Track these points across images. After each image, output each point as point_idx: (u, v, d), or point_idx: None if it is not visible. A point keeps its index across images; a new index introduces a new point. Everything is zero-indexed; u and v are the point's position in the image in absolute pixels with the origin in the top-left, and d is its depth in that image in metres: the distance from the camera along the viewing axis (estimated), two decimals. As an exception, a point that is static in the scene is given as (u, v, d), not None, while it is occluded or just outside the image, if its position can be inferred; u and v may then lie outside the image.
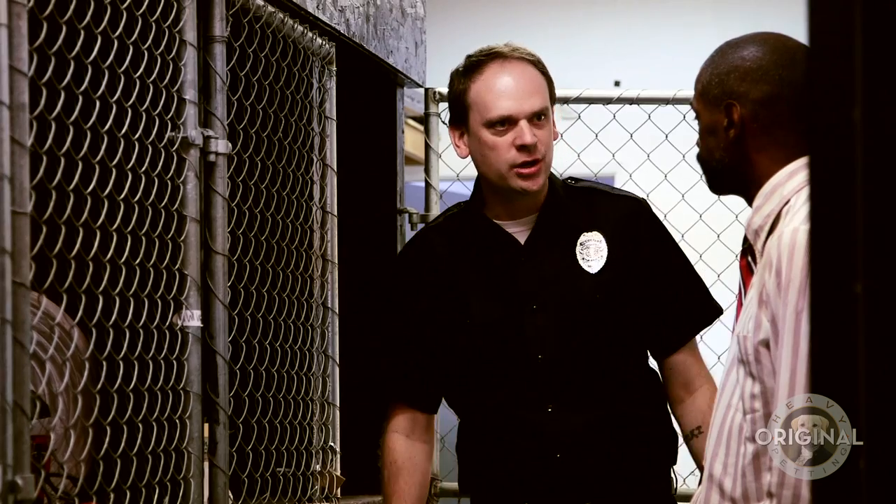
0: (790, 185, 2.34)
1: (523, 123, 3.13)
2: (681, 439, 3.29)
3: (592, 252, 3.20)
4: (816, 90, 1.33)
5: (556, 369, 3.16)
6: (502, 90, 3.16)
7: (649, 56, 7.78)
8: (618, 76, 7.48)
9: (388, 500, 3.27)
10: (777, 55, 2.38)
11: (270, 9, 3.15)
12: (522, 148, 3.12)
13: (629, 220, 3.23)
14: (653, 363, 3.31)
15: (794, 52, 2.39)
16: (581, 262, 3.19)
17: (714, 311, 3.32)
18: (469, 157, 3.22)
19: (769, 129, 2.37)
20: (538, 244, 3.19)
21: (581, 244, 3.20)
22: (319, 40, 3.45)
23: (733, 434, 2.32)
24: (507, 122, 3.14)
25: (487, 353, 3.18)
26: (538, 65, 3.22)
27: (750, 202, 2.41)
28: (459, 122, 3.22)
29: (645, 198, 3.34)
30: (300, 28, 3.33)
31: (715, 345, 3.87)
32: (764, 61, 2.38)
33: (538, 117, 3.15)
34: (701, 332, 3.33)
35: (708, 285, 3.39)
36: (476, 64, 3.20)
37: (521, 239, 3.20)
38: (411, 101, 4.39)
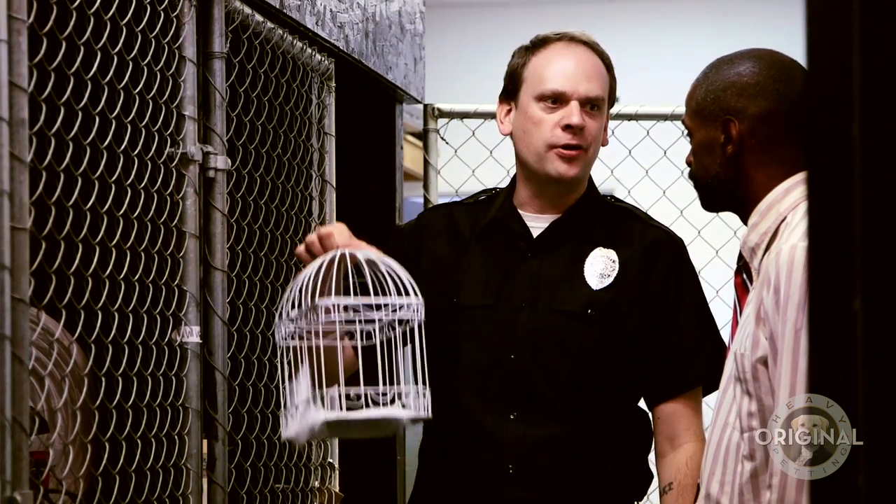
0: (786, 201, 2.33)
1: (574, 104, 3.00)
2: None
3: (601, 268, 3.03)
4: (815, 106, 1.33)
5: (525, 373, 2.97)
6: (561, 67, 3.03)
7: (647, 72, 7.79)
8: (616, 92, 7.48)
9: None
10: (773, 70, 2.38)
11: (270, 25, 3.15)
12: (567, 128, 2.99)
13: (652, 250, 3.05)
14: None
15: (790, 67, 2.39)
16: (586, 274, 3.03)
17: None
18: (509, 135, 3.08)
19: (767, 144, 2.36)
20: (549, 243, 3.04)
21: (593, 257, 3.04)
22: (319, 56, 3.45)
23: (730, 452, 2.31)
24: (559, 101, 3.01)
25: (462, 339, 3.01)
26: (605, 59, 3.11)
27: (745, 219, 2.40)
28: (509, 97, 3.09)
29: (682, 239, 3.13)
30: (299, 44, 3.33)
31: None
32: (761, 77, 2.37)
33: (591, 106, 3.03)
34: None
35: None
36: (542, 40, 3.08)
37: (536, 234, 3.05)
38: (410, 117, 4.39)
